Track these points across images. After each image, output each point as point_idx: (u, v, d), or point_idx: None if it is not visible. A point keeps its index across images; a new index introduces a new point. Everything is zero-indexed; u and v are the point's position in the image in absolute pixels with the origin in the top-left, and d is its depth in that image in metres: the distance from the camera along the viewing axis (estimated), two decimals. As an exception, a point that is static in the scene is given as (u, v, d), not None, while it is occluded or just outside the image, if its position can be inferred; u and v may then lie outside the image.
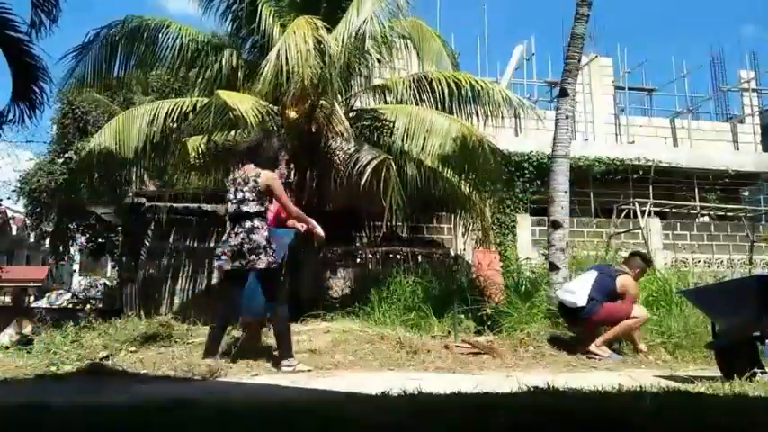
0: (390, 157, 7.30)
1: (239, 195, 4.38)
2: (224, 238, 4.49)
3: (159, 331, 5.67)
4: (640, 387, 3.07)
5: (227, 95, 7.00)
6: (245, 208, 4.35)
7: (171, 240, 9.98)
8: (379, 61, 8.67)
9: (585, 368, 4.95)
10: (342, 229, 9.83)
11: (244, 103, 6.87)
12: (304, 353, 4.98)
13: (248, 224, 4.33)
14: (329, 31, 7.18)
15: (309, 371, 4.35)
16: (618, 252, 9.43)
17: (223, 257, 4.43)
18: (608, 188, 13.73)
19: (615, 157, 13.93)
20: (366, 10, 7.13)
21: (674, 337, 5.85)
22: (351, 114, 8.60)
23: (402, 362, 4.84)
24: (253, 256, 4.30)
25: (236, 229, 4.36)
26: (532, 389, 3.04)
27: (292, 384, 3.84)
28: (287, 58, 6.58)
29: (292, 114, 7.54)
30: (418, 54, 8.91)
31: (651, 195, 13.45)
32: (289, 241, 5.03)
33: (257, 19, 7.88)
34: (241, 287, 4.53)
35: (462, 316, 7.12)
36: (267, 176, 4.39)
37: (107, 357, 4.93)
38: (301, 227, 4.95)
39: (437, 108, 8.34)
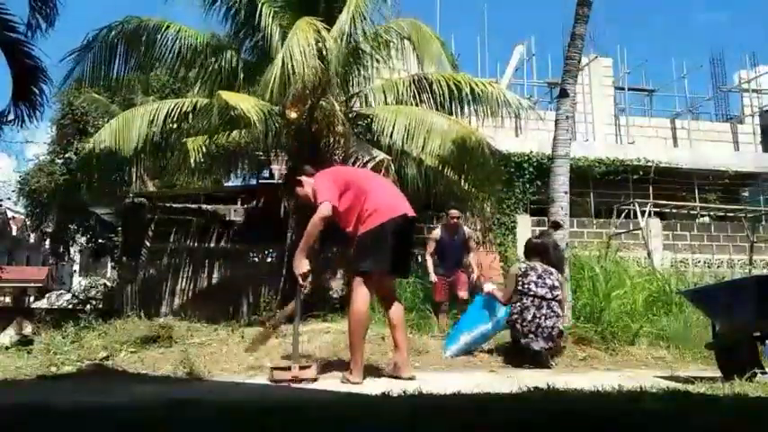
0: (390, 157, 7.31)
1: (548, 282, 5.06)
2: (531, 317, 4.96)
3: (159, 333, 5.68)
4: (640, 387, 3.07)
5: (228, 96, 7.01)
6: (556, 293, 5.06)
7: (171, 240, 9.98)
8: (378, 61, 8.67)
9: (586, 368, 4.94)
10: (342, 229, 9.82)
11: (246, 103, 6.88)
12: (303, 353, 4.98)
13: (557, 310, 5.04)
14: (327, 31, 7.20)
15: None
16: (618, 252, 9.42)
17: (530, 336, 4.91)
18: (608, 188, 13.72)
19: (615, 157, 13.92)
20: (350, 8, 7.26)
21: (674, 338, 5.84)
22: (351, 115, 8.61)
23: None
24: (559, 341, 5.13)
25: (546, 312, 4.97)
26: (532, 389, 3.04)
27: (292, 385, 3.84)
28: (292, 63, 6.59)
29: (293, 115, 7.55)
30: (417, 55, 8.92)
31: (651, 196, 13.44)
32: None
33: (256, 19, 7.88)
34: None
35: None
36: (562, 278, 5.42)
37: (107, 358, 4.93)
38: None
39: (437, 109, 8.35)
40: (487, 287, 5.46)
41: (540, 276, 5.02)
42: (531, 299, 4.94)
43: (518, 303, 5.00)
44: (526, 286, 5.01)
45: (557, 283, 5.06)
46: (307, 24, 6.91)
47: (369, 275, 3.86)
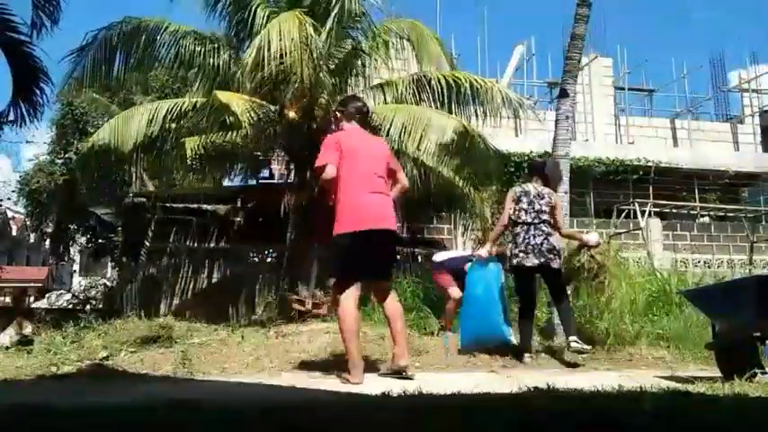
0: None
1: (536, 207, 5.19)
2: (521, 240, 5.13)
3: (159, 333, 5.68)
4: (641, 387, 3.07)
5: (223, 95, 7.02)
6: (543, 217, 5.17)
7: (171, 240, 9.97)
8: (377, 60, 8.67)
9: (586, 368, 4.94)
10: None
11: (240, 104, 6.88)
12: (303, 353, 4.99)
13: (546, 229, 5.14)
14: (318, 31, 7.22)
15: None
16: (618, 252, 9.40)
17: (521, 255, 5.10)
18: (608, 188, 13.75)
19: (615, 157, 13.94)
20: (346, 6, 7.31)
21: (674, 338, 5.84)
22: (351, 114, 8.60)
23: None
24: (551, 256, 5.10)
25: (534, 232, 5.13)
26: (533, 389, 3.04)
27: (292, 385, 3.84)
28: (268, 47, 6.55)
29: (291, 114, 7.55)
30: (417, 56, 8.93)
31: (651, 196, 13.46)
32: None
33: (253, 20, 7.89)
34: (533, 282, 5.30)
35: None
36: (557, 197, 5.40)
37: (107, 358, 4.93)
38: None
39: (437, 108, 8.35)
40: (482, 252, 5.50)
41: (530, 203, 5.22)
42: (520, 226, 5.19)
43: (509, 233, 5.32)
44: (516, 213, 5.24)
45: (545, 208, 5.22)
46: (292, 16, 6.89)
47: (338, 282, 3.92)
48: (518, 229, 5.19)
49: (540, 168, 5.55)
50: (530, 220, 5.16)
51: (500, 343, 5.18)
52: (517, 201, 5.25)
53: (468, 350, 5.16)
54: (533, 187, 5.30)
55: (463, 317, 5.43)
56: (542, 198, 5.24)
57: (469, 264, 5.73)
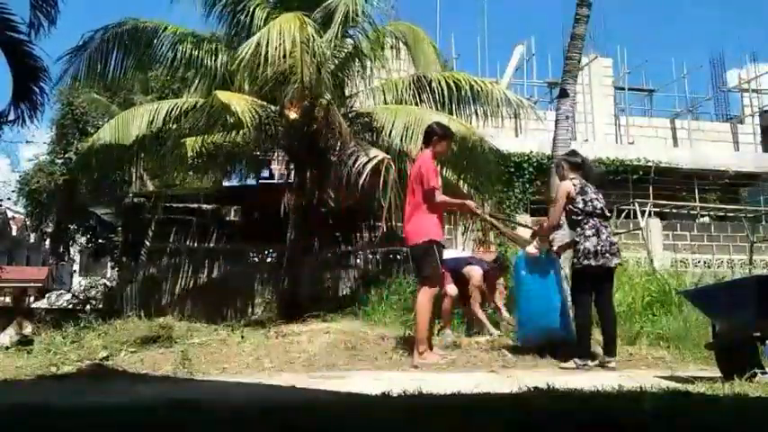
0: (389, 156, 7.30)
1: (601, 203, 4.75)
2: (605, 237, 4.64)
3: (159, 333, 5.69)
4: (641, 387, 3.07)
5: (224, 96, 7.01)
6: (607, 213, 4.80)
7: (171, 240, 9.98)
8: (374, 61, 8.67)
9: (585, 368, 4.94)
10: (342, 229, 9.83)
11: (241, 104, 6.88)
12: (303, 353, 4.99)
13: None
14: (320, 33, 7.22)
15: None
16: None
17: (607, 255, 4.61)
18: (608, 188, 13.73)
19: (615, 157, 13.95)
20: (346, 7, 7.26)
21: (674, 338, 5.84)
22: (351, 114, 8.61)
23: (402, 362, 4.84)
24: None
25: (609, 230, 4.75)
26: (533, 389, 3.04)
27: (292, 385, 3.84)
28: (267, 47, 6.54)
29: (292, 114, 7.54)
30: (413, 59, 8.95)
31: (651, 196, 13.46)
32: None
33: (252, 20, 7.89)
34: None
35: (463, 316, 7.12)
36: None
37: (107, 358, 4.94)
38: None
39: (437, 108, 8.34)
40: (531, 249, 5.18)
41: (596, 192, 4.77)
42: (597, 219, 4.66)
43: (587, 224, 4.67)
44: (590, 204, 4.69)
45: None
46: (294, 17, 6.89)
47: None
48: (595, 222, 4.63)
49: (580, 165, 4.98)
50: (605, 213, 4.73)
51: (560, 338, 5.01)
52: (582, 192, 4.73)
53: (528, 345, 5.09)
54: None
55: (522, 312, 5.22)
56: (598, 194, 4.81)
57: (518, 257, 5.44)
